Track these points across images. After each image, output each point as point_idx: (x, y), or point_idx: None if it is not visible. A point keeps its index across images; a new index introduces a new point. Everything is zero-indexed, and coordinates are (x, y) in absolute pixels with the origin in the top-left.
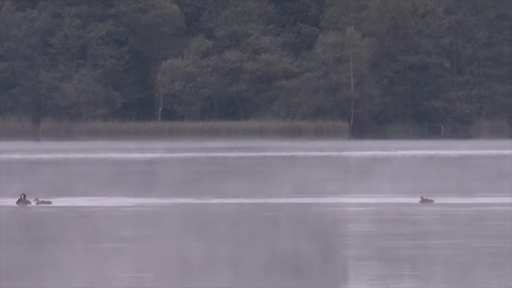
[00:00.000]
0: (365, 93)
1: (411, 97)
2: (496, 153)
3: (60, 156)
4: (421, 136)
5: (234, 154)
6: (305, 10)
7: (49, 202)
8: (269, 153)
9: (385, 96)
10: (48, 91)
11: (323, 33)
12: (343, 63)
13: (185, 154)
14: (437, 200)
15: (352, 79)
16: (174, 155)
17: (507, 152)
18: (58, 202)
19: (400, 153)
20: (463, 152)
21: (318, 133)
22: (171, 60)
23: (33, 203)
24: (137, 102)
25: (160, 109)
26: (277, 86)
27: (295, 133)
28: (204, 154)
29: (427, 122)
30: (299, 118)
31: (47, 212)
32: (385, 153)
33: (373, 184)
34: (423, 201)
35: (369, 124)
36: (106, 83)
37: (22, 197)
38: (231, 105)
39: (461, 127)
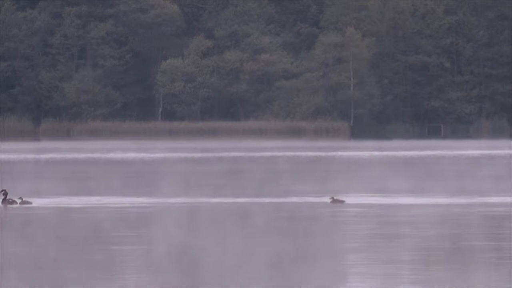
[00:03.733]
0: (365, 93)
1: (411, 97)
2: (480, 153)
3: (59, 156)
4: (421, 136)
5: (247, 153)
6: (305, 10)
7: (30, 202)
8: (254, 154)
9: (385, 96)
10: (48, 91)
11: (323, 33)
12: (343, 63)
13: (185, 154)
14: (350, 200)
15: (352, 79)
16: (175, 155)
17: (499, 152)
18: (42, 202)
19: (386, 153)
20: (447, 152)
21: (318, 133)
22: (171, 60)
23: (18, 203)
24: (137, 102)
25: (160, 109)
26: (277, 86)
27: (295, 134)
28: (211, 154)
29: (427, 122)
30: (299, 118)
31: (26, 213)
32: (368, 153)
33: (317, 184)
34: (334, 201)
35: (369, 124)
36: (106, 83)
37: (5, 196)
38: (231, 105)
39: (461, 127)
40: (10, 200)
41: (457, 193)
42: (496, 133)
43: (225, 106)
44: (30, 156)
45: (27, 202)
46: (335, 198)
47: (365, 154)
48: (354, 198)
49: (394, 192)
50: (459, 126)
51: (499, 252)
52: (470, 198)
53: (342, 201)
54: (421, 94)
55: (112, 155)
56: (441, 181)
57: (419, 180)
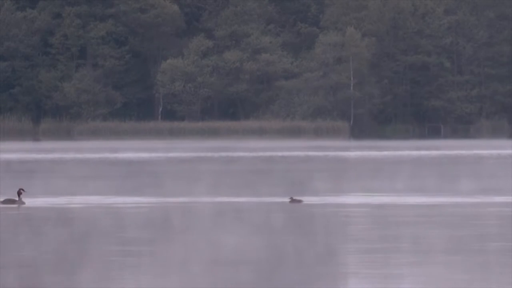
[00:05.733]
0: (365, 93)
1: (411, 97)
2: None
3: (59, 156)
4: (421, 136)
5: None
6: (305, 10)
7: (23, 203)
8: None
9: (385, 96)
10: (48, 91)
11: (323, 33)
12: (343, 63)
13: (186, 154)
14: (308, 200)
15: (352, 79)
16: (175, 154)
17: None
18: (36, 202)
19: (386, 153)
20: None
21: (318, 133)
22: (171, 60)
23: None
24: (137, 102)
25: (160, 109)
26: (277, 86)
27: (295, 133)
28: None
29: (427, 122)
30: (299, 118)
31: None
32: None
33: (316, 184)
34: (293, 201)
35: (369, 124)
36: (106, 83)
37: (19, 194)
38: (231, 105)
39: (461, 127)
40: (6, 200)
41: (457, 193)
42: (496, 133)
43: (225, 106)
44: (29, 156)
45: (22, 202)
46: (293, 198)
47: (365, 154)
48: (354, 198)
49: (394, 192)
50: (459, 126)
51: (503, 252)
52: (472, 198)
53: (300, 201)
54: (421, 94)
55: (117, 155)
56: (442, 181)
57: (419, 180)
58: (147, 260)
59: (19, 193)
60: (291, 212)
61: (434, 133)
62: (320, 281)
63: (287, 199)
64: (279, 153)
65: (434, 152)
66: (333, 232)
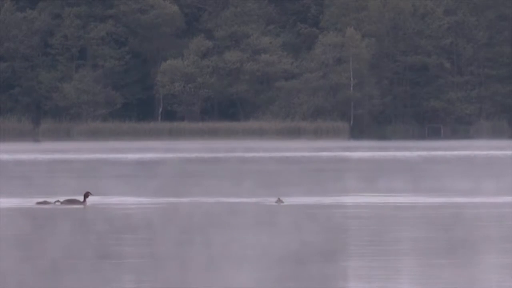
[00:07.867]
0: (364, 94)
1: (411, 97)
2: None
3: (59, 156)
4: (421, 137)
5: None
6: (305, 11)
7: (86, 205)
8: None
9: (384, 97)
10: (48, 92)
11: (323, 34)
12: (343, 64)
13: (188, 154)
14: (290, 201)
15: (352, 79)
16: (175, 155)
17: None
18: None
19: (386, 153)
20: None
21: (317, 134)
22: (171, 60)
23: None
24: (137, 102)
25: (160, 109)
26: (277, 86)
27: (295, 134)
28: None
29: (427, 123)
30: (299, 119)
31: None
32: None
33: (317, 184)
34: (278, 201)
35: (369, 124)
36: (106, 83)
37: (85, 197)
38: (231, 105)
39: (461, 128)
40: (46, 202)
41: (458, 193)
42: (496, 134)
43: (225, 106)
44: (29, 156)
45: (85, 204)
46: (279, 198)
47: (365, 154)
48: (353, 198)
49: (394, 192)
50: (459, 127)
51: (503, 253)
52: (472, 198)
53: (282, 202)
54: (421, 95)
55: (111, 156)
56: (442, 181)
57: (419, 180)
58: (159, 261)
59: (86, 196)
60: (290, 212)
61: (434, 133)
62: (320, 281)
63: (273, 200)
64: (285, 154)
65: (434, 153)
66: (332, 232)
